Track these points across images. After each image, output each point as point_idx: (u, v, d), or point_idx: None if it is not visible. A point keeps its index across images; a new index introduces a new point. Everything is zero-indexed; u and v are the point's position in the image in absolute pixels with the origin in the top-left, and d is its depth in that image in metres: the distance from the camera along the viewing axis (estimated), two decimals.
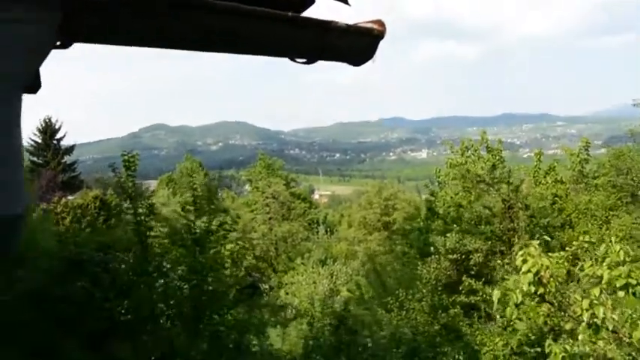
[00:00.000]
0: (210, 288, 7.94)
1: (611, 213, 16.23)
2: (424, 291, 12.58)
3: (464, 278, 12.16)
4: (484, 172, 15.46)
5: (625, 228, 14.95)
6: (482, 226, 13.99)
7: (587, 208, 16.46)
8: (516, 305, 4.50)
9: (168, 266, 8.00)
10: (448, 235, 13.61)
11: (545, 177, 18.78)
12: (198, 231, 8.32)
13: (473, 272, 13.07)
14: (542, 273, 4.53)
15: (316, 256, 34.97)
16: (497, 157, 18.61)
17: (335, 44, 2.20)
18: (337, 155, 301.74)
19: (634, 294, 4.25)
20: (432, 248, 13.85)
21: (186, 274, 7.77)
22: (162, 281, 7.75)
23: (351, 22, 2.17)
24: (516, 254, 4.89)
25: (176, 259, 7.97)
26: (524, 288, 4.50)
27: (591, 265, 4.67)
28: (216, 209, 9.27)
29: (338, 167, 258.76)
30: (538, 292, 4.52)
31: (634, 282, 4.29)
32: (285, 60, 2.26)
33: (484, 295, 11.64)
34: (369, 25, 2.26)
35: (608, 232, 14.45)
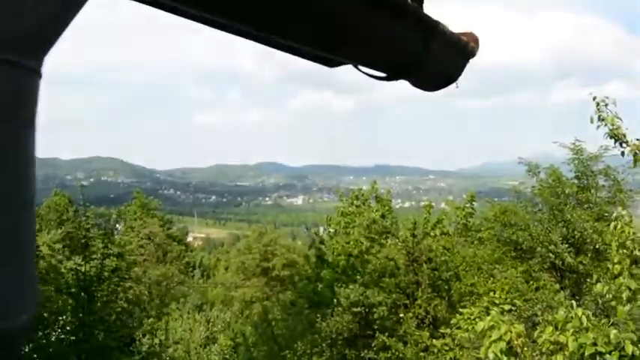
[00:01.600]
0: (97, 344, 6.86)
1: (496, 266, 16.61)
2: (323, 345, 12.02)
3: (377, 335, 11.75)
4: (389, 224, 15.36)
5: (509, 282, 15.29)
6: (386, 279, 13.76)
7: (473, 261, 16.76)
8: None
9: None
10: (351, 286, 13.19)
11: (433, 229, 19.06)
12: (85, 277, 7.23)
13: (376, 326, 12.73)
14: (515, 341, 4.13)
15: (192, 301, 33.46)
16: (386, 208, 18.78)
17: (435, 57, 1.55)
18: (213, 197, 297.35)
19: None
20: (334, 300, 13.34)
21: (72, 327, 6.66)
22: (40, 334, 6.57)
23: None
24: (465, 320, 4.44)
25: (59, 309, 6.83)
26: (491, 357, 4.06)
27: (552, 331, 4.34)
28: (109, 252, 8.24)
29: (213, 210, 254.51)
30: None
31: (603, 350, 4.00)
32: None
33: (397, 353, 11.27)
34: (465, 38, 1.67)
35: (494, 284, 14.73)
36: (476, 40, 1.75)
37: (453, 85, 1.93)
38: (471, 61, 1.90)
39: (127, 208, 41.75)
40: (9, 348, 0.75)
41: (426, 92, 1.98)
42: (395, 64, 1.60)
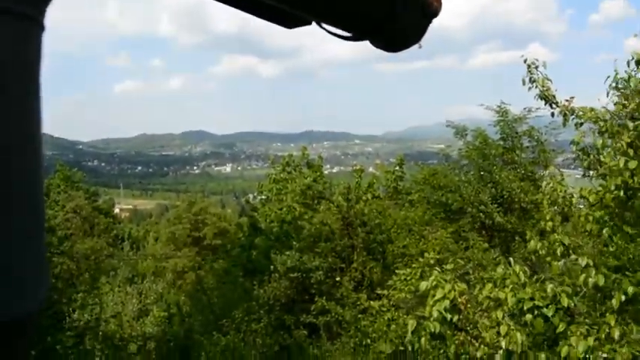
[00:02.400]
0: None
1: (427, 227, 17.01)
2: (261, 311, 12.03)
3: (316, 299, 11.82)
4: (322, 190, 15.41)
5: (440, 242, 15.71)
6: (322, 244, 13.84)
7: (405, 223, 17.10)
8: (432, 335, 4.13)
9: None
10: (287, 252, 13.19)
11: (365, 193, 19.28)
12: None
13: (313, 291, 12.82)
14: (459, 299, 4.22)
15: (123, 274, 32.74)
16: (317, 173, 18.85)
17: (400, 18, 1.49)
18: (139, 168, 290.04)
19: (544, 317, 4.12)
20: (270, 267, 13.31)
21: None
22: None
23: None
24: (408, 277, 4.50)
25: None
26: (435, 315, 4.14)
27: (491, 288, 4.47)
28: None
29: (140, 180, 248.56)
30: (453, 320, 4.20)
31: (541, 304, 4.16)
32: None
33: (336, 316, 11.40)
34: None
35: (425, 245, 15.11)
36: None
37: (416, 45, 1.89)
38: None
39: (51, 181, 40.10)
40: (30, 327, 0.66)
41: (385, 53, 1.94)
42: (360, 24, 1.54)
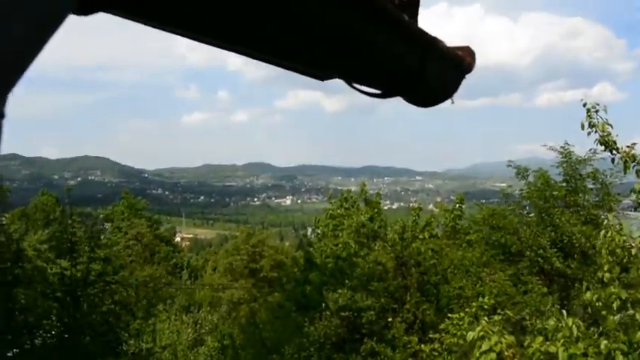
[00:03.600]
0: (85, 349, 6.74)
1: (484, 269, 16.60)
2: (311, 349, 11.94)
3: (366, 340, 11.68)
4: (378, 228, 15.36)
5: (498, 285, 15.28)
6: (375, 283, 13.70)
7: (461, 264, 16.75)
8: None
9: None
10: (339, 290, 13.10)
11: (422, 232, 19.04)
12: (71, 281, 7.11)
13: (364, 331, 12.66)
14: (506, 352, 4.08)
15: (179, 302, 33.23)
16: (375, 210, 18.76)
17: (431, 74, 1.49)
18: (201, 198, 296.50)
19: None
20: (322, 303, 13.24)
21: (57, 332, 6.54)
22: (25, 338, 6.46)
23: None
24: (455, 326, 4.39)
25: (44, 313, 6.71)
26: None
27: (542, 341, 4.30)
28: (95, 256, 8.10)
29: (202, 210, 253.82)
30: None
31: None
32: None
33: (385, 358, 11.21)
34: (460, 53, 1.61)
35: (481, 288, 14.73)
36: (472, 55, 1.69)
37: (448, 101, 1.88)
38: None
39: (115, 208, 41.47)
40: None
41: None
42: (390, 81, 1.55)
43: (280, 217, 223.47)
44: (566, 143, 16.94)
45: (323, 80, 1.76)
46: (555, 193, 16.68)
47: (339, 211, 19.66)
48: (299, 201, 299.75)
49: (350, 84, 1.62)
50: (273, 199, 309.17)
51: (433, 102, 1.83)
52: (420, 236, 17.25)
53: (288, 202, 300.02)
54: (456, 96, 1.96)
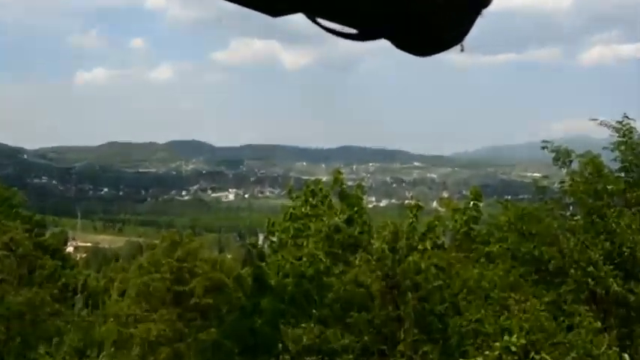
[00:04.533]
0: None
1: (511, 294, 16.65)
2: None
3: None
4: (359, 234, 15.32)
5: (531, 317, 15.32)
6: (355, 314, 13.66)
7: (479, 287, 16.78)
8: None
9: None
10: (303, 324, 12.99)
11: (422, 241, 19.04)
12: None
13: None
14: None
15: (70, 341, 32.87)
16: (355, 209, 18.66)
17: (433, 8, 1.41)
18: (105, 190, 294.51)
19: None
20: (279, 344, 13.11)
21: None
22: None
23: None
24: None
25: None
26: None
27: None
28: None
29: (105, 207, 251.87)
30: None
31: None
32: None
33: None
34: None
35: (508, 321, 14.78)
36: None
37: (457, 47, 1.76)
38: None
39: None
40: None
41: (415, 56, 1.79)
42: (372, 14, 1.42)
43: (219, 218, 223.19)
44: (625, 117, 17.07)
45: (275, 16, 1.70)
46: (610, 186, 16.77)
47: (303, 209, 19.52)
48: (246, 195, 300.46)
49: (313, 19, 1.49)
50: (209, 192, 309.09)
51: (435, 47, 1.72)
52: (420, 246, 17.26)
53: (231, 196, 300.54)
54: (467, 43, 1.84)
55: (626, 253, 15.56)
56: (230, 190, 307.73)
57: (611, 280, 15.14)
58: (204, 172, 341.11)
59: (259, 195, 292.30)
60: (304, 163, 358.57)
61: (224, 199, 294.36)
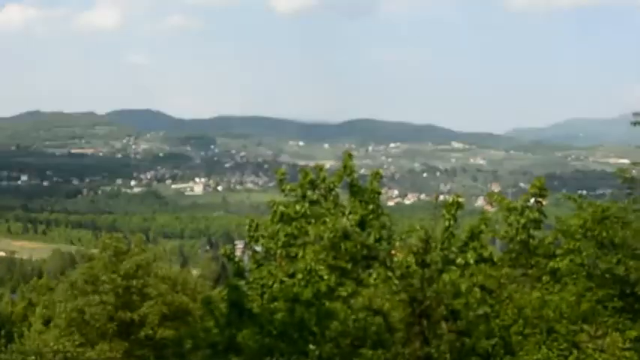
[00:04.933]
0: None
1: (585, 327, 16.70)
2: None
3: None
4: (375, 242, 15.37)
5: (612, 357, 15.41)
6: (368, 350, 13.72)
7: (540, 316, 16.83)
8: None
9: None
10: None
11: (462, 252, 19.06)
12: None
13: None
14: None
15: None
16: (370, 206, 18.69)
17: None
18: (23, 178, 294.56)
19: None
20: None
21: None
22: None
23: None
24: None
25: None
26: None
27: None
28: None
29: (22, 203, 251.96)
30: None
31: None
32: None
33: None
34: None
35: None
36: None
37: None
38: None
39: None
40: None
41: None
42: None
43: (183, 220, 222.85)
44: None
45: None
46: None
47: (298, 207, 19.58)
48: (219, 187, 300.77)
49: None
50: (169, 182, 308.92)
51: None
52: (459, 260, 17.33)
53: (198, 188, 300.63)
54: None
55: None
56: (197, 179, 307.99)
57: None
58: (161, 154, 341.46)
59: (237, 187, 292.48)
60: (300, 143, 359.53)
61: (189, 193, 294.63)
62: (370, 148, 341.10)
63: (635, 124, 18.31)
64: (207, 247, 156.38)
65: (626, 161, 20.15)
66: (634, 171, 19.82)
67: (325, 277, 16.34)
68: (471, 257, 17.28)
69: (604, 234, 17.52)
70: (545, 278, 18.69)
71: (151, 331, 37.23)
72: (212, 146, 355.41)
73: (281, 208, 19.66)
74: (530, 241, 19.75)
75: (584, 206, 19.19)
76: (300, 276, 16.83)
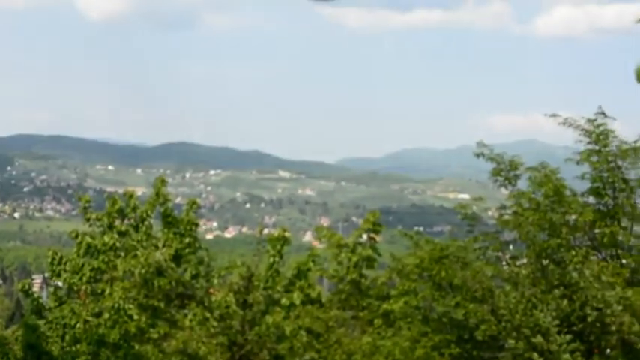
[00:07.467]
0: None
1: None
2: None
3: None
4: (192, 278, 15.30)
5: None
6: None
7: None
8: None
9: None
10: None
11: (287, 291, 19.17)
12: None
13: None
14: None
15: None
16: (186, 239, 18.71)
17: None
18: None
19: None
20: None
21: None
22: None
23: None
24: None
25: None
26: None
27: None
28: None
29: None
30: None
31: None
32: None
33: None
34: None
35: None
36: None
37: None
38: None
39: None
40: None
41: None
42: None
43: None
44: (600, 112, 17.53)
45: None
46: (573, 217, 17.16)
47: (106, 239, 19.53)
48: (16, 214, 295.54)
49: None
50: None
51: None
52: (284, 300, 17.41)
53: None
54: None
55: (590, 318, 15.88)
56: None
57: (567, 356, 15.52)
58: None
59: (37, 214, 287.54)
60: (110, 168, 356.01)
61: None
62: (188, 175, 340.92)
63: (478, 155, 18.62)
64: (1, 282, 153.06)
65: (466, 196, 20.50)
66: (475, 207, 20.15)
67: (135, 316, 16.19)
68: (297, 297, 17.37)
69: (442, 274, 17.76)
70: (377, 321, 18.88)
71: None
72: (9, 167, 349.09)
73: (87, 239, 19.45)
74: (362, 280, 19.96)
75: (421, 244, 19.45)
76: (106, 315, 16.61)
